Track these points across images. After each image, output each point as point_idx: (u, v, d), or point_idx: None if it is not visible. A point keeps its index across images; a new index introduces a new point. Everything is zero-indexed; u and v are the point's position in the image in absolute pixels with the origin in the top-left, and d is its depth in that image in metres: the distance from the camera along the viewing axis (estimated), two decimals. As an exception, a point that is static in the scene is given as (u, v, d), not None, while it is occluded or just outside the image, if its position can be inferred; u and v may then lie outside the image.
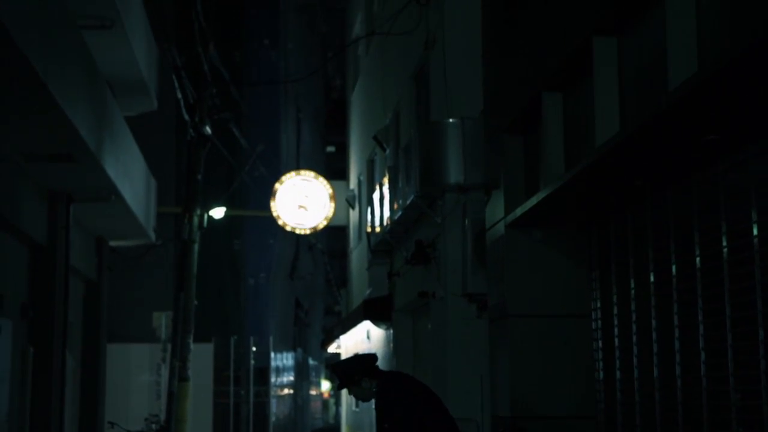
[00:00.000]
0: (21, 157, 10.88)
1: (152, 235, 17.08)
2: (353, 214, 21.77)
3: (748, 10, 5.20)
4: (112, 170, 12.28)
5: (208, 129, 15.92)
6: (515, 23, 9.27)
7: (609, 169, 7.07)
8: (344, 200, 21.94)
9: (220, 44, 17.91)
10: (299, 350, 34.13)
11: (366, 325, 17.64)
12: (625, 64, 7.11)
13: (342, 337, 21.89)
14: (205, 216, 16.49)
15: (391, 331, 15.56)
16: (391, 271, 15.37)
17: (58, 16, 9.29)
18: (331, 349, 25.27)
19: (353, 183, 22.07)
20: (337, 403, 38.93)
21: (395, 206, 13.44)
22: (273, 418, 25.13)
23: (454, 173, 11.25)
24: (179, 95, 15.13)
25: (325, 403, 45.14)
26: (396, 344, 15.12)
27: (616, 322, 8.51)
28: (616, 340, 8.50)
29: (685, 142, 6.31)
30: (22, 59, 7.92)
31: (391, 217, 13.80)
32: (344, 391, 8.94)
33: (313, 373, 40.69)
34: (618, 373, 8.43)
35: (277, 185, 22.05)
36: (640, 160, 6.87)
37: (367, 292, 17.06)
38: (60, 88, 9.06)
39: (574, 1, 7.56)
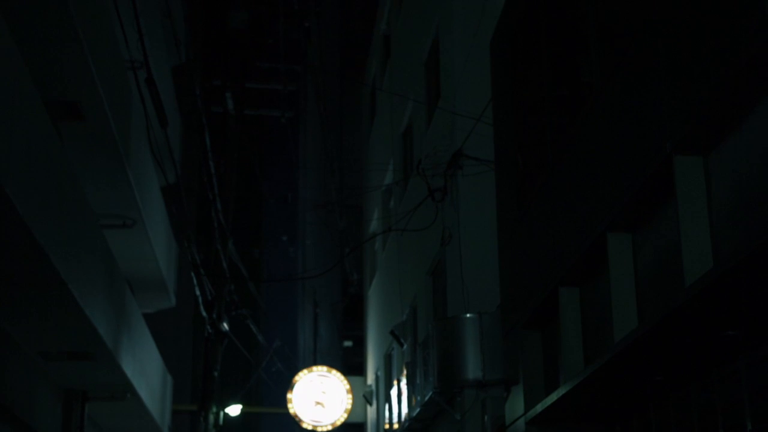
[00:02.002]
0: (37, 354, 10.87)
1: (167, 434, 16.85)
2: (371, 411, 21.46)
3: (761, 207, 5.27)
4: (129, 368, 12.24)
5: (225, 326, 15.95)
6: (530, 218, 9.39)
7: (628, 364, 7.00)
8: (362, 396, 21.68)
9: (239, 240, 18.16)
10: None
11: None
12: (641, 259, 7.15)
13: None
14: (222, 413, 16.31)
15: None
16: (410, 469, 15.03)
17: (80, 216, 9.47)
18: None
19: (371, 378, 21.86)
20: None
21: (413, 402, 13.27)
22: None
23: (473, 369, 11.16)
24: (197, 292, 15.24)
25: None
26: None
27: None
28: None
29: (704, 338, 6.26)
30: (43, 258, 8.03)
31: (409, 414, 13.61)
32: None
33: None
34: None
35: (293, 381, 21.87)
36: (660, 356, 6.80)
37: (386, 491, 16.64)
38: (80, 286, 9.14)
39: (587, 197, 7.68)
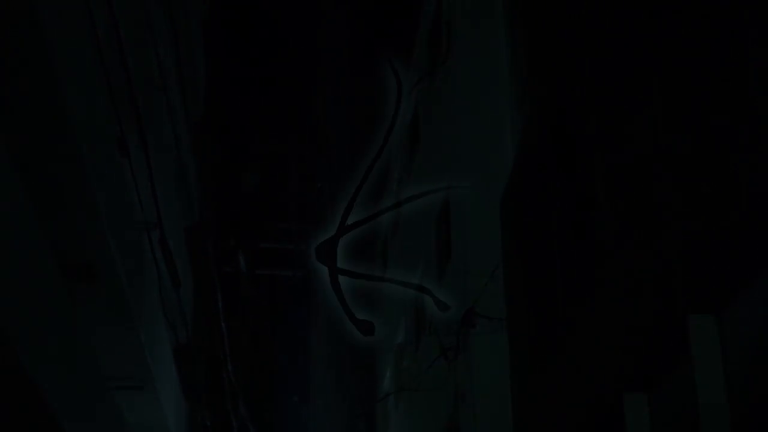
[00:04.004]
0: None
1: None
2: None
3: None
4: None
5: (234, 492, 15.64)
6: (544, 377, 9.29)
7: None
8: None
9: (250, 400, 17.95)
10: None
11: None
12: (658, 420, 7.03)
13: None
14: None
15: None
16: None
17: (90, 378, 9.40)
18: None
19: None
20: None
21: None
22: None
23: None
24: (207, 455, 14.99)
25: None
26: None
27: None
28: None
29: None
30: (52, 421, 7.94)
31: None
32: None
33: None
34: None
35: None
36: None
37: None
38: (88, 451, 9.01)
39: (601, 356, 7.61)
